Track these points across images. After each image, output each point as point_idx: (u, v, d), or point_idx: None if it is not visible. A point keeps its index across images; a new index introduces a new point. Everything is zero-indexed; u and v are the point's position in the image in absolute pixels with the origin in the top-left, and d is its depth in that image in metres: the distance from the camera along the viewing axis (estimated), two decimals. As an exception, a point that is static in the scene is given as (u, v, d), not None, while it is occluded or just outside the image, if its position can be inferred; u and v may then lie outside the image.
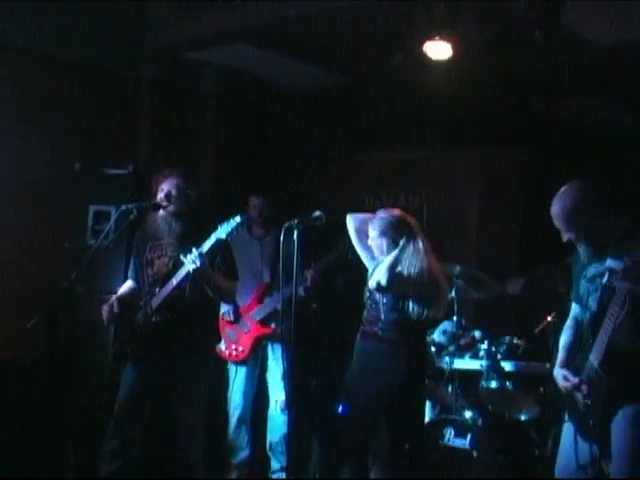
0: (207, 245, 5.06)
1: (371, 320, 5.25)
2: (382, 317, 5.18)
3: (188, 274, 5.10)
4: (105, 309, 5.40)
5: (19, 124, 6.33)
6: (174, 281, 5.19)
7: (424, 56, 5.83)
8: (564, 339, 4.37)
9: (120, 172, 6.40)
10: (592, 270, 4.13)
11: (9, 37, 6.22)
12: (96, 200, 6.38)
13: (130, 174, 6.38)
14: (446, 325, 6.00)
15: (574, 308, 4.37)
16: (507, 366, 5.79)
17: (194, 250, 5.04)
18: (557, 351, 4.41)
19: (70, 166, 6.48)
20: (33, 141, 6.39)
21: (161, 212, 5.40)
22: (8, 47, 6.26)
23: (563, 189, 4.16)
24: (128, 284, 5.55)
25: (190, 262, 5.05)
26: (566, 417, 4.24)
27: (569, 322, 4.40)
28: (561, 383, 4.15)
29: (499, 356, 5.82)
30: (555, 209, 4.14)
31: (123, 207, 5.32)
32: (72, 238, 6.22)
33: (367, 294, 5.31)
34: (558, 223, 4.13)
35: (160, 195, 5.35)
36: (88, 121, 6.69)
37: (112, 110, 6.85)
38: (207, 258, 5.07)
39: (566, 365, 4.22)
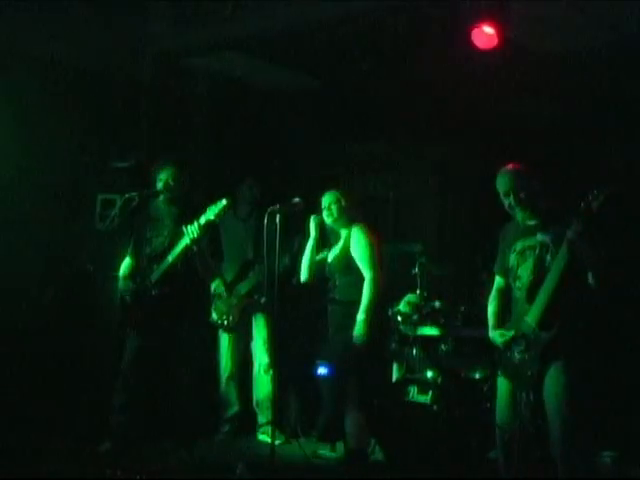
0: (202, 220, 5.31)
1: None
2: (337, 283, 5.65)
3: (186, 246, 5.36)
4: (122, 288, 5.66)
5: (36, 125, 6.41)
6: (170, 258, 5.46)
7: (389, 62, 6.07)
8: (492, 308, 4.60)
9: (124, 165, 6.59)
10: (520, 244, 4.38)
11: (29, 50, 6.31)
12: (103, 189, 6.55)
13: (133, 167, 6.57)
14: (410, 297, 6.19)
15: (497, 280, 4.61)
16: (463, 332, 5.95)
17: (195, 222, 5.30)
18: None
19: (81, 160, 6.63)
20: (49, 139, 6.48)
21: (160, 198, 5.66)
22: (29, 58, 6.34)
23: (511, 164, 4.46)
24: (127, 261, 5.74)
25: (190, 233, 5.31)
26: (499, 372, 4.46)
27: (493, 293, 4.64)
28: (499, 340, 4.38)
29: (456, 323, 5.97)
30: (503, 173, 4.42)
31: (127, 195, 5.51)
32: (82, 222, 6.37)
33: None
34: (503, 188, 4.38)
35: (158, 184, 5.63)
36: (96, 121, 6.76)
37: (117, 111, 6.89)
38: (201, 233, 5.30)
39: (499, 327, 4.46)
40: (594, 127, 6.45)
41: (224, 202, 5.32)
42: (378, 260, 5.61)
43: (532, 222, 4.40)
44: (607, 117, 6.32)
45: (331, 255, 5.79)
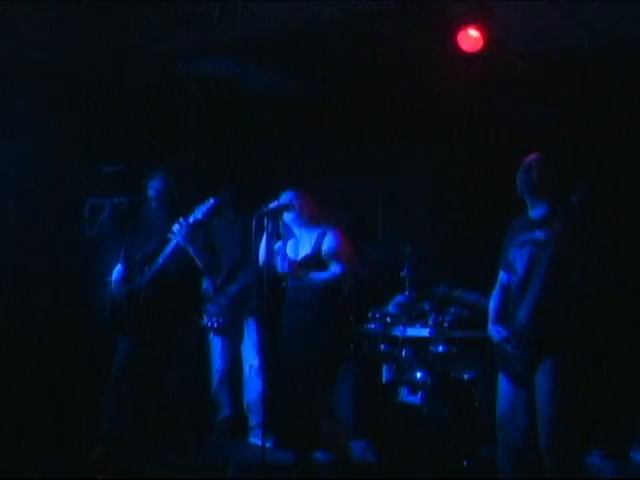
0: (190, 220, 5.32)
1: None
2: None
3: (177, 245, 5.35)
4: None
5: (25, 129, 6.39)
6: (160, 259, 5.44)
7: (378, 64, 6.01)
8: (493, 303, 4.59)
9: (113, 170, 6.52)
10: (522, 238, 4.38)
11: (16, 54, 6.27)
12: (92, 194, 6.30)
13: (122, 171, 6.49)
14: (399, 298, 6.14)
15: (501, 276, 4.58)
16: (452, 333, 5.87)
17: (183, 222, 5.32)
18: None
19: (70, 164, 6.59)
20: (38, 144, 6.46)
21: (152, 204, 5.64)
22: (17, 63, 6.31)
23: (534, 156, 4.42)
24: (118, 267, 5.71)
25: (177, 232, 5.31)
26: (500, 369, 4.43)
27: (496, 289, 4.61)
28: (495, 335, 4.39)
29: (445, 324, 5.88)
30: (530, 159, 4.41)
31: (116, 200, 5.59)
32: (71, 227, 6.24)
33: None
34: (525, 172, 4.37)
35: (150, 191, 5.59)
36: (86, 125, 6.72)
37: (107, 115, 6.83)
38: (191, 232, 5.31)
39: (497, 323, 4.46)
40: (588, 128, 6.44)
41: (212, 201, 5.35)
42: None
43: (539, 212, 4.38)
44: (600, 118, 6.32)
45: None
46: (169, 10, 6.53)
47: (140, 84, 7.00)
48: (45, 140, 6.51)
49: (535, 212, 4.41)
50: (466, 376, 5.78)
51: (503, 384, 4.40)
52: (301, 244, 5.63)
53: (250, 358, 6.40)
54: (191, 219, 5.33)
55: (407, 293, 6.11)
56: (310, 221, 5.57)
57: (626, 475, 5.38)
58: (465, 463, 5.34)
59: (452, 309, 6.03)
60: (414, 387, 5.70)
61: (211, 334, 6.46)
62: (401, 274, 6.11)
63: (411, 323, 6.05)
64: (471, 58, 5.51)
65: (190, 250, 5.40)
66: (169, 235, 5.43)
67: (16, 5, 5.98)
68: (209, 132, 7.42)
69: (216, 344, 6.49)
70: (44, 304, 6.27)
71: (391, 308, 6.12)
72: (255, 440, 6.25)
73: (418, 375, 5.79)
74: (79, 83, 6.66)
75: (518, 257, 4.36)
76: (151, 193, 5.59)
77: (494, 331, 4.42)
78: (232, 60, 6.87)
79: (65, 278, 6.15)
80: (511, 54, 5.83)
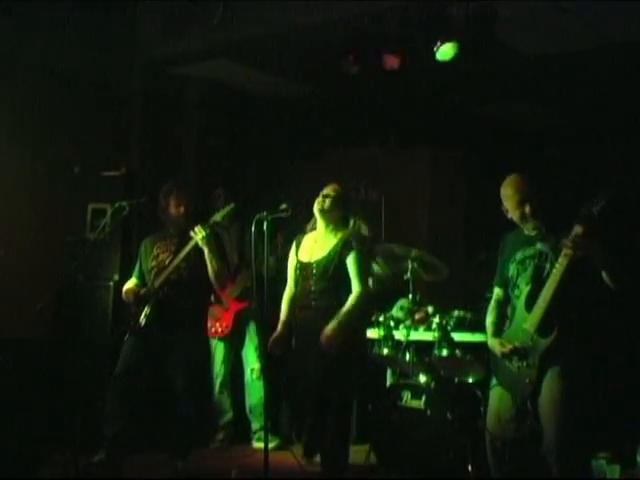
0: (210, 221, 5.30)
1: None
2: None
3: (193, 248, 5.30)
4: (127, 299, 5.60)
5: (27, 134, 6.41)
6: (175, 261, 5.38)
7: (379, 67, 5.95)
8: (491, 318, 4.51)
9: (114, 174, 6.51)
10: (520, 254, 4.30)
11: (17, 56, 6.31)
12: (94, 199, 6.48)
13: (123, 176, 6.50)
14: (402, 301, 6.15)
15: (497, 292, 4.53)
16: (456, 336, 5.83)
17: (200, 224, 5.28)
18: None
19: (71, 169, 6.58)
20: (39, 148, 6.48)
21: (175, 219, 5.55)
22: (17, 65, 6.34)
23: (515, 175, 4.31)
24: (133, 281, 5.64)
25: (198, 232, 5.26)
26: (494, 382, 4.40)
27: (492, 304, 4.55)
28: (498, 349, 4.29)
29: (449, 328, 5.82)
30: (508, 191, 4.28)
31: (117, 204, 5.52)
32: (72, 232, 6.29)
33: None
34: (508, 203, 4.28)
35: (174, 209, 5.51)
36: (86, 130, 6.75)
37: (107, 119, 6.89)
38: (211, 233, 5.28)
39: (498, 336, 4.38)
40: (587, 129, 6.42)
41: (232, 205, 5.35)
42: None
43: (535, 232, 4.32)
44: (601, 120, 6.30)
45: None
46: (170, 13, 6.56)
47: (141, 87, 7.07)
48: (45, 144, 6.51)
49: (530, 232, 4.34)
50: (470, 379, 5.74)
51: (495, 395, 4.36)
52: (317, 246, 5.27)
53: (251, 362, 6.40)
54: (211, 221, 5.32)
55: (410, 296, 6.03)
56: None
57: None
58: (469, 468, 5.26)
59: (456, 312, 5.97)
60: (418, 391, 5.63)
61: (212, 338, 6.42)
62: (405, 277, 6.06)
63: (415, 326, 5.98)
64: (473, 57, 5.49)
65: (205, 252, 5.35)
66: (188, 237, 5.38)
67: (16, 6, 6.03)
68: (211, 135, 7.45)
69: (217, 348, 6.47)
70: (45, 310, 6.20)
71: (394, 311, 6.11)
72: (259, 444, 6.23)
73: (422, 379, 5.73)
74: (80, 86, 6.67)
75: (520, 273, 4.29)
76: (176, 211, 5.51)
77: (496, 344, 4.34)
78: (233, 63, 6.88)
79: (65, 281, 6.10)
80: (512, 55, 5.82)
